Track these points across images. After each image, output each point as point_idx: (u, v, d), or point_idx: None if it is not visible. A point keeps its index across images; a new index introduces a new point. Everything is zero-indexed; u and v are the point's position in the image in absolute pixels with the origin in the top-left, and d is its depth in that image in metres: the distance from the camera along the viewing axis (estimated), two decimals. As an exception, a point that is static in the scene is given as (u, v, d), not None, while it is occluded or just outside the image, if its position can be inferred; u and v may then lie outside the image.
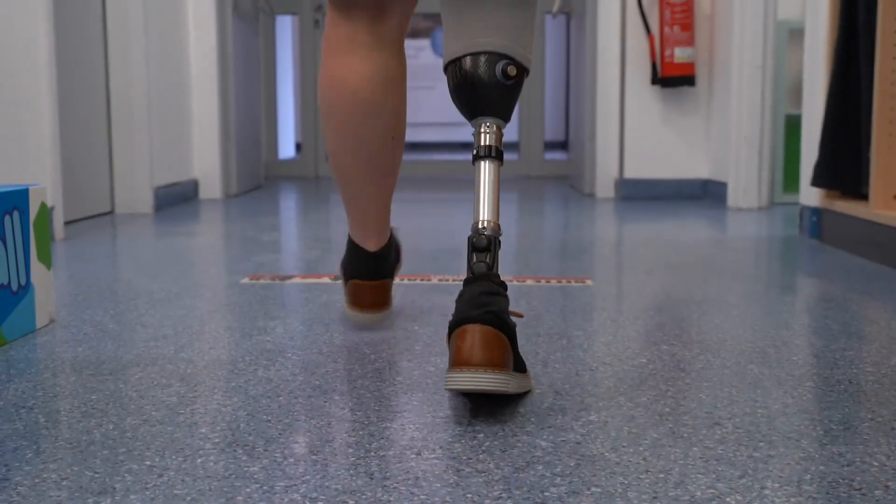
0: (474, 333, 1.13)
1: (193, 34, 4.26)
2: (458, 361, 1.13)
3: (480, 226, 1.23)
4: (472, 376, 1.12)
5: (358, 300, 1.62)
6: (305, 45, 5.91)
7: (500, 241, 1.24)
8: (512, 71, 1.24)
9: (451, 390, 1.13)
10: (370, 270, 1.61)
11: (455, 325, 1.16)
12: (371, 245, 1.62)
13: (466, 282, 1.20)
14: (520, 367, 1.23)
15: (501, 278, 1.31)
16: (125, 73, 3.60)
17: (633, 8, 4.24)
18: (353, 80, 1.48)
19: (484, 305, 1.15)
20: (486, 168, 1.25)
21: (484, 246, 1.21)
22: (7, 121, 2.71)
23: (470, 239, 1.22)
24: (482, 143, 1.26)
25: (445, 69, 1.29)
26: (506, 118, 1.26)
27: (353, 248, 1.64)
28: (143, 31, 3.58)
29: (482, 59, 1.24)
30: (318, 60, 5.91)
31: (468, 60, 1.25)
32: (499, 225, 1.23)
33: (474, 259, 1.21)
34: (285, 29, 6.70)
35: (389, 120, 1.51)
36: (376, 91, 1.48)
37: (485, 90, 1.24)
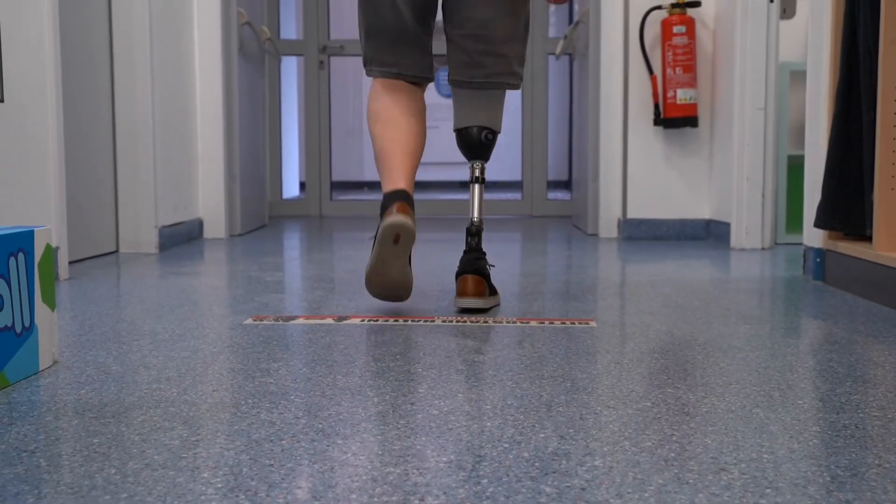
0: (468, 279, 2.26)
1: (200, 75, 4.30)
2: (461, 293, 2.26)
3: (473, 221, 2.31)
4: (468, 300, 2.25)
5: (389, 218, 2.10)
6: (310, 85, 5.96)
7: (482, 228, 2.31)
8: (489, 136, 2.33)
9: (459, 308, 2.25)
10: (400, 198, 2.16)
11: (459, 275, 2.28)
12: (400, 183, 2.21)
13: (465, 252, 2.31)
14: (493, 291, 2.36)
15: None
16: (131, 113, 3.62)
17: (636, 49, 4.27)
18: (389, 103, 2.32)
19: (473, 264, 2.28)
20: (475, 188, 2.33)
21: (474, 232, 2.31)
22: (14, 160, 2.73)
23: (468, 228, 2.31)
24: (474, 175, 2.34)
25: (457, 132, 2.35)
26: (486, 160, 2.34)
27: (385, 195, 2.19)
28: (149, 72, 3.61)
29: (475, 129, 2.33)
30: (321, 100, 5.96)
31: (470, 129, 2.33)
32: (482, 220, 2.32)
33: (469, 240, 2.31)
34: (290, 68, 6.76)
35: (414, 121, 2.30)
36: (404, 108, 2.31)
37: (475, 145, 2.34)
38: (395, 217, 2.08)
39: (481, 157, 2.33)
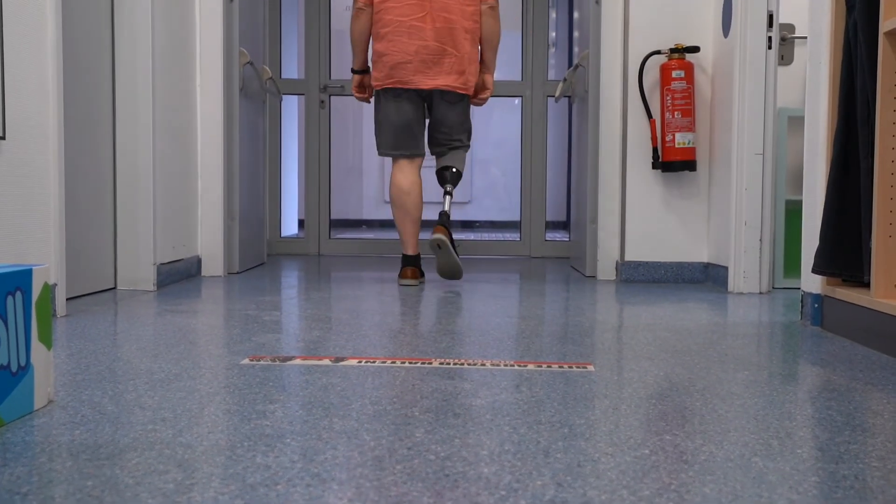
0: (439, 228, 3.96)
1: (201, 113, 4.32)
2: (433, 233, 3.98)
3: (444, 210, 4.02)
4: (437, 236, 3.95)
5: (403, 275, 4.01)
6: (311, 123, 5.99)
7: (448, 214, 4.01)
8: (455, 170, 4.09)
9: (432, 240, 3.94)
10: (409, 263, 4.04)
11: (435, 225, 4.00)
12: (409, 251, 4.05)
13: (438, 224, 3.96)
14: (455, 247, 4.07)
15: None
16: (132, 150, 3.64)
17: (635, 93, 4.30)
18: (402, 182, 4.01)
19: (442, 220, 4.00)
20: (447, 196, 4.06)
21: (444, 214, 4.01)
22: (14, 197, 2.73)
23: (440, 213, 3.99)
24: (446, 189, 4.07)
25: (437, 171, 4.12)
26: (454, 185, 4.08)
27: (403, 255, 4.07)
28: (151, 109, 3.63)
29: (447, 168, 4.10)
30: (322, 139, 6.00)
31: (444, 168, 4.10)
32: (449, 210, 4.02)
33: (441, 217, 3.99)
34: (292, 106, 6.80)
35: (416, 198, 4.02)
36: (410, 186, 4.01)
37: (448, 176, 4.09)
38: (405, 281, 4.04)
39: (451, 182, 4.10)
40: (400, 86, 3.96)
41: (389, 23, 3.92)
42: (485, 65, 4.12)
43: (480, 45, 4.06)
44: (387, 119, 4.03)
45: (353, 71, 4.16)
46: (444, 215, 3.99)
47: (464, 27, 3.93)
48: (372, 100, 4.18)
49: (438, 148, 4.12)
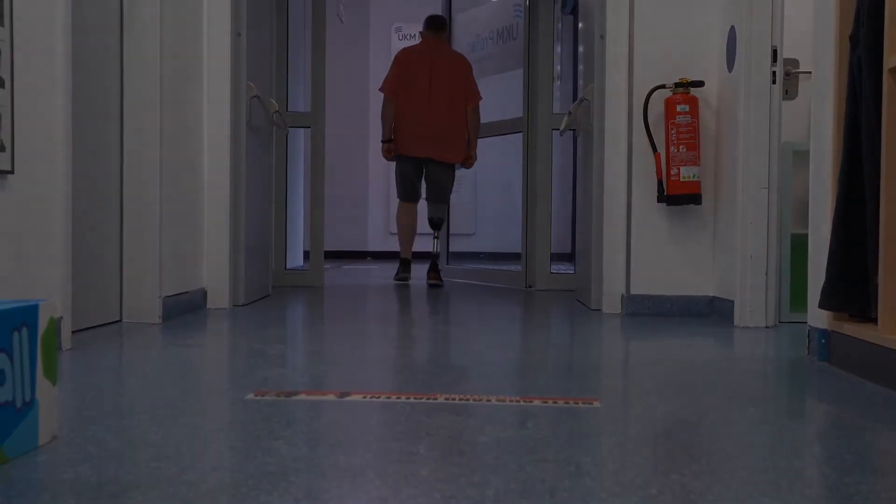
0: (431, 272, 6.04)
1: (208, 146, 4.34)
2: (428, 277, 6.02)
3: (433, 252, 6.20)
4: (433, 281, 5.98)
5: (399, 275, 6.12)
6: (317, 155, 6.01)
7: (438, 254, 6.24)
8: (440, 219, 6.17)
9: (428, 283, 5.98)
10: (404, 264, 6.13)
11: (429, 271, 6.08)
12: (406, 255, 6.14)
13: (430, 269, 6.06)
14: (440, 278, 6.06)
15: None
16: (139, 183, 3.65)
17: (640, 127, 4.31)
18: (406, 215, 6.16)
19: (433, 265, 6.09)
20: (435, 240, 6.23)
21: (434, 256, 6.18)
22: (21, 230, 2.74)
23: (432, 255, 6.18)
24: (434, 234, 6.20)
25: (428, 218, 6.19)
26: (440, 229, 6.22)
27: (401, 259, 6.15)
28: (158, 141, 3.65)
29: (434, 217, 6.15)
30: (325, 170, 6.09)
31: (433, 217, 6.14)
32: (438, 252, 6.27)
33: (432, 261, 6.12)
34: (298, 138, 6.83)
35: (413, 224, 6.17)
36: (410, 217, 6.16)
37: (435, 223, 6.16)
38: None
39: (437, 227, 6.06)
40: (410, 154, 5.97)
41: (407, 112, 5.93)
42: (470, 143, 6.06)
43: (467, 130, 6.00)
44: (401, 174, 6.08)
45: (382, 141, 6.06)
46: (433, 256, 6.11)
47: (454, 120, 5.93)
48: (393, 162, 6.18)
49: (431, 199, 6.09)
